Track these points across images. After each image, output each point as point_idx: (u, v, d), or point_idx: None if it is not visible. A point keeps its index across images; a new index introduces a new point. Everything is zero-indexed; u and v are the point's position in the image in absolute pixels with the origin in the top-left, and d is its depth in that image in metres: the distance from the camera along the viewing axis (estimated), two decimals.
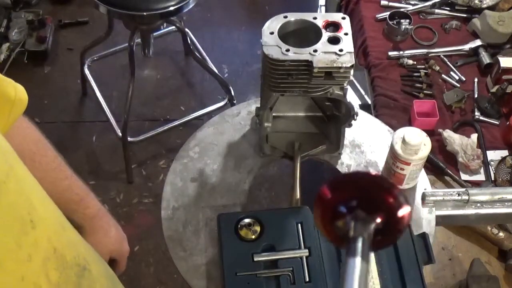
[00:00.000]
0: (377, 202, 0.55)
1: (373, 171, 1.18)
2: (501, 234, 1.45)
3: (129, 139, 2.29)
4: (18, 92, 0.78)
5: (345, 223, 0.54)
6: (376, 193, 0.55)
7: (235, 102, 2.45)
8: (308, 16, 1.06)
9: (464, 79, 1.84)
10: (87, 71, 2.54)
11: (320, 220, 0.56)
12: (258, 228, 1.05)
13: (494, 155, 1.64)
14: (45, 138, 0.93)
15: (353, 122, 1.14)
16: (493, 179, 1.59)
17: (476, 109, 1.75)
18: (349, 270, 0.51)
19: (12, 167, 0.63)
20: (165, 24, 2.20)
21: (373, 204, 0.55)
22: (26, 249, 0.62)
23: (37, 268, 0.63)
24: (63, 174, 0.93)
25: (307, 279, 0.99)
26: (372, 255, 1.03)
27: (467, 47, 1.92)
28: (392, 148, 1.12)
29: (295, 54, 1.00)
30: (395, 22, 1.94)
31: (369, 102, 1.97)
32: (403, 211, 0.54)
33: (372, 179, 0.58)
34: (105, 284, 0.86)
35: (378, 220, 0.54)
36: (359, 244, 0.52)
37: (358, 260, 0.52)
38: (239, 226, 1.05)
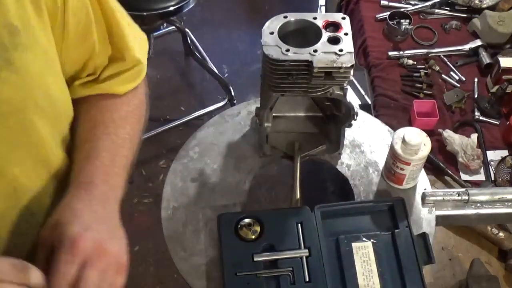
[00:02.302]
0: None
1: None
2: (501, 234, 1.45)
3: None
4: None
5: None
6: None
7: (235, 102, 2.45)
8: (308, 16, 1.06)
9: (464, 79, 1.84)
10: None
11: None
12: (258, 228, 1.05)
13: (494, 155, 1.64)
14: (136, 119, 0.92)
15: (353, 122, 1.13)
16: (493, 179, 1.59)
17: (476, 109, 1.75)
18: None
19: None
20: (165, 24, 2.20)
21: None
22: None
23: None
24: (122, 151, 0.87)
25: (307, 279, 0.99)
26: (372, 255, 1.03)
27: (467, 47, 1.92)
28: (392, 148, 1.12)
29: (295, 54, 1.00)
30: (395, 22, 1.94)
31: (369, 102, 1.97)
32: None
33: None
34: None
35: None
36: None
37: None
38: (239, 226, 1.05)
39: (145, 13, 1.95)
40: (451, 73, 1.86)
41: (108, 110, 0.88)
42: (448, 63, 1.89)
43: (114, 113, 0.88)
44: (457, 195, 1.16)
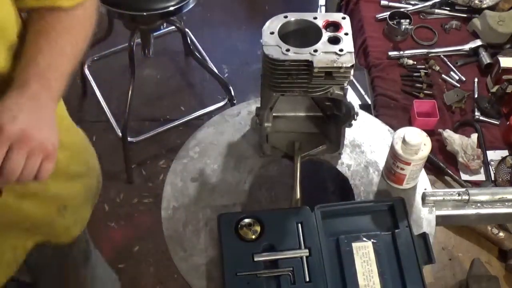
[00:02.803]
0: None
1: None
2: (501, 234, 1.45)
3: (129, 139, 2.29)
4: None
5: None
6: None
7: (235, 102, 2.45)
8: (308, 16, 1.06)
9: (464, 79, 1.84)
10: (87, 71, 2.54)
11: None
12: (258, 228, 1.05)
13: (494, 155, 1.64)
14: (83, 36, 0.99)
15: (353, 122, 1.14)
16: (493, 179, 1.59)
17: (476, 109, 1.75)
18: None
19: None
20: (165, 24, 2.20)
21: None
22: None
23: None
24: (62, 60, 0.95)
25: (307, 279, 0.99)
26: (372, 255, 1.03)
27: (467, 47, 1.92)
28: (392, 148, 1.12)
29: (295, 54, 1.00)
30: (395, 22, 1.95)
31: (369, 102, 1.97)
32: None
33: None
34: None
35: None
36: None
37: None
38: (239, 226, 1.05)
39: (145, 13, 1.95)
40: (451, 73, 1.86)
41: (52, 20, 0.95)
42: (448, 63, 1.89)
43: (57, 24, 0.95)
44: (457, 195, 1.16)
